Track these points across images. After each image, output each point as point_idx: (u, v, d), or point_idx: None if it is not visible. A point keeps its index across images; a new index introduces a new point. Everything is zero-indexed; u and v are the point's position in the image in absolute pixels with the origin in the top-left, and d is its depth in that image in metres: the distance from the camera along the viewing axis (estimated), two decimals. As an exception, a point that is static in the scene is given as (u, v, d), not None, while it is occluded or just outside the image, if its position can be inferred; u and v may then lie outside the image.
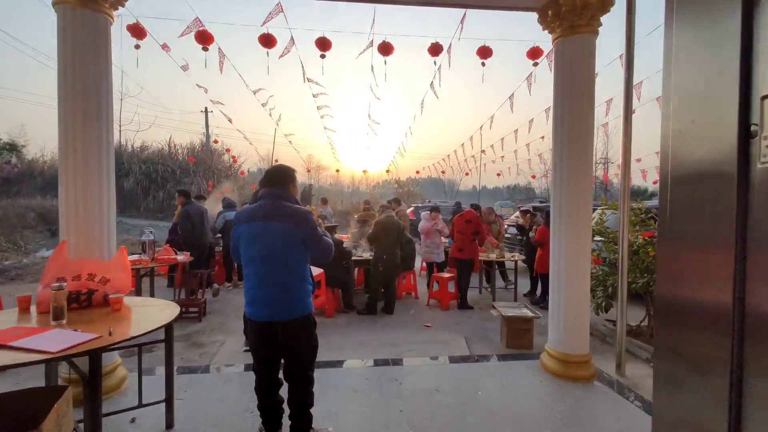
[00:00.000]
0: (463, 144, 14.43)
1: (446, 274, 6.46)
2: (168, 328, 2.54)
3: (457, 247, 6.29)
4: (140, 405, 2.77)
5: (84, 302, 2.58)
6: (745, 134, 0.94)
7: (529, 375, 3.68)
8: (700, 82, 1.12)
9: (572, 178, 3.54)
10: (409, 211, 15.65)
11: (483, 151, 14.92)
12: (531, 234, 6.76)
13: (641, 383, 3.55)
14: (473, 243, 6.23)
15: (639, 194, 22.21)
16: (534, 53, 5.05)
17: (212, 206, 8.30)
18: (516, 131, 10.94)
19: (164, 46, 5.45)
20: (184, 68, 6.07)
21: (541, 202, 16.15)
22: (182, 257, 5.47)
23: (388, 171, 18.70)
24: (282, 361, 2.45)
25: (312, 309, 2.41)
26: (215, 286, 6.82)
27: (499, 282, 7.30)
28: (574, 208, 3.54)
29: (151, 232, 5.37)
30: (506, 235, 9.23)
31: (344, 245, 6.12)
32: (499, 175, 21.39)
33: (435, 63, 5.29)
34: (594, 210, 4.37)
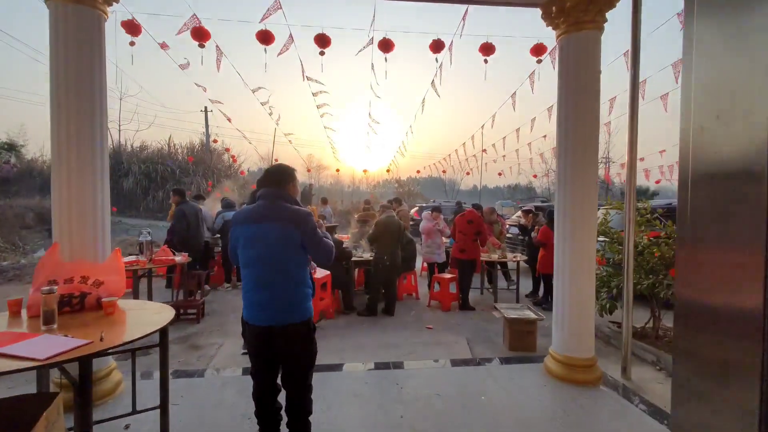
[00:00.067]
0: (464, 143, 14.35)
1: (447, 275, 6.38)
2: (163, 332, 2.46)
3: (458, 247, 6.22)
4: (134, 411, 2.70)
5: (76, 306, 2.51)
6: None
7: (533, 379, 3.60)
8: (724, 75, 1.05)
9: (577, 177, 3.46)
10: (413, 211, 15.57)
11: (484, 150, 14.82)
12: (533, 234, 6.70)
13: (647, 387, 3.49)
14: (475, 243, 6.17)
15: (641, 194, 22.14)
16: (537, 50, 4.97)
17: (211, 206, 8.23)
18: (518, 130, 10.87)
19: (163, 45, 5.38)
20: (183, 67, 5.98)
21: (542, 201, 16.09)
22: (180, 258, 5.40)
23: (388, 170, 18.58)
24: (280, 366, 2.38)
25: (311, 314, 2.34)
26: (206, 287, 6.67)
27: (502, 282, 7.23)
28: (578, 207, 3.47)
29: (148, 232, 5.29)
30: (508, 235, 9.15)
31: (344, 245, 6.05)
32: (500, 174, 21.27)
33: (437, 60, 5.22)
34: (598, 209, 4.30)
